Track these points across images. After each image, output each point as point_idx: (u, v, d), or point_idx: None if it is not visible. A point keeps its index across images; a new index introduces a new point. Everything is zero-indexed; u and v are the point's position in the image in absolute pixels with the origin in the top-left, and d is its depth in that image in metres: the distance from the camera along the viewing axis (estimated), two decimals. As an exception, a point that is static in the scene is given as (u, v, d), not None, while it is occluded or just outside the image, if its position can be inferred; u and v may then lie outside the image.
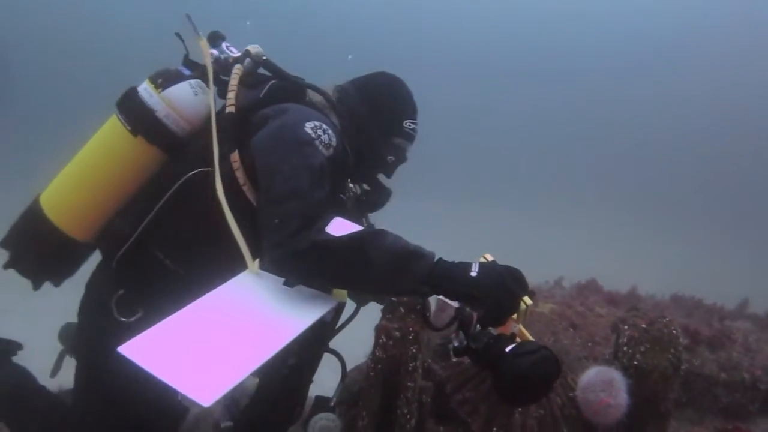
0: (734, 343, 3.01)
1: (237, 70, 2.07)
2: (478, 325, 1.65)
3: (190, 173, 1.97)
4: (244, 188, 1.90)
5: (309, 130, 1.90)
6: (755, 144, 23.32)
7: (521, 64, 27.70)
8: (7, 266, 2.11)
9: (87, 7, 24.27)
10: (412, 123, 2.33)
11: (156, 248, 2.00)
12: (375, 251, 1.64)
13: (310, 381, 2.50)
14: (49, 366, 2.71)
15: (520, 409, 2.17)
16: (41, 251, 2.07)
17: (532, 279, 2.22)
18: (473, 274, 1.62)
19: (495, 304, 1.60)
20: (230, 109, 1.98)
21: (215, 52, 2.15)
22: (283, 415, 2.45)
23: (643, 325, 2.17)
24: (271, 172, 1.80)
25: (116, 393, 2.07)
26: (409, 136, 2.34)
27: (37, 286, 2.17)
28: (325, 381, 2.60)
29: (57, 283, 2.21)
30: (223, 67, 2.16)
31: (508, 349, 1.56)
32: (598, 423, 2.13)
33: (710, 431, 2.75)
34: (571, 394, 2.20)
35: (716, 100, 25.22)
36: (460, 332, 1.67)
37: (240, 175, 1.90)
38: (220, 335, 1.60)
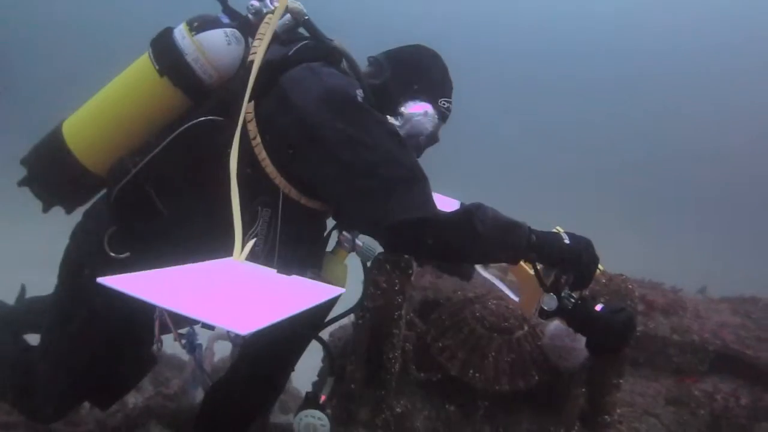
0: (686, 311, 3.28)
1: (268, 19, 2.00)
2: (566, 289, 1.87)
3: (199, 119, 1.94)
4: (253, 142, 1.87)
5: (360, 98, 1.88)
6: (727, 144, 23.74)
7: (527, 72, 27.33)
8: (21, 184, 2.13)
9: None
10: (447, 102, 2.25)
11: (150, 187, 1.97)
12: (482, 225, 1.71)
13: (292, 368, 2.53)
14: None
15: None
16: (56, 176, 2.06)
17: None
18: (567, 242, 1.82)
19: (586, 269, 1.83)
20: (252, 57, 1.93)
21: (256, 3, 2.10)
22: (258, 394, 2.46)
23: (603, 280, 2.40)
24: (347, 142, 1.76)
25: (89, 326, 2.10)
26: (443, 116, 2.25)
27: (46, 208, 2.17)
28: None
29: (68, 210, 2.22)
30: (263, 21, 2.06)
31: (598, 308, 1.82)
32: (564, 366, 2.36)
33: (664, 387, 3.01)
34: (539, 343, 2.44)
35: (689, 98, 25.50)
36: (548, 295, 1.88)
37: (251, 128, 1.87)
38: (238, 288, 1.51)
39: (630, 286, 2.42)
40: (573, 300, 1.86)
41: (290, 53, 1.98)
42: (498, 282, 2.60)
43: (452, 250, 1.81)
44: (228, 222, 1.82)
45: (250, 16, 2.11)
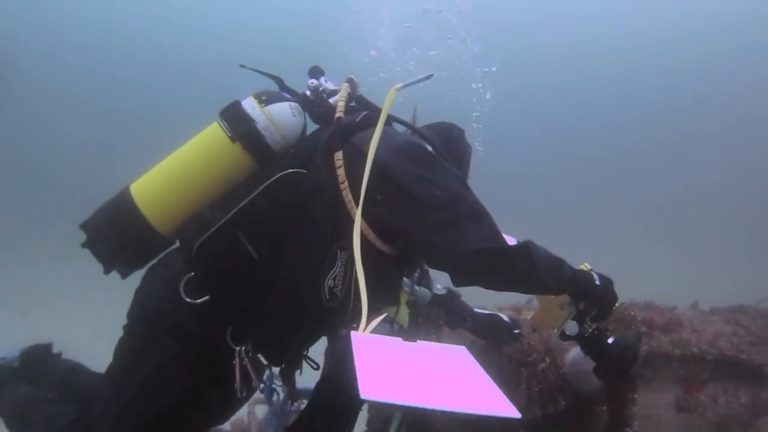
0: (683, 326, 3.66)
1: (345, 87, 2.27)
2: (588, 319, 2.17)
3: (287, 171, 2.08)
4: (342, 186, 2.00)
5: (429, 149, 2.12)
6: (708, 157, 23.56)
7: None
8: (84, 245, 2.19)
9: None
10: (466, 174, 2.53)
11: (243, 235, 2.05)
12: (538, 258, 1.94)
13: (360, 408, 2.63)
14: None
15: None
16: (123, 238, 2.14)
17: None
18: (597, 282, 2.09)
19: (609, 306, 2.14)
20: (339, 114, 2.15)
21: (315, 81, 2.34)
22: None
23: (609, 309, 2.78)
24: (420, 182, 1.96)
25: (158, 375, 2.14)
26: None
27: (107, 270, 2.23)
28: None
29: (125, 273, 2.28)
30: (319, 98, 2.31)
31: (610, 341, 2.13)
32: (585, 389, 2.71)
33: (673, 397, 3.37)
34: (561, 371, 2.80)
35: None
36: (571, 322, 2.16)
37: (340, 173, 2.01)
38: (427, 369, 1.56)
39: (633, 313, 2.81)
40: (591, 329, 2.20)
41: (358, 120, 2.19)
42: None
43: (513, 279, 2.01)
44: (315, 262, 2.01)
45: (308, 92, 2.32)
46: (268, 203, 2.05)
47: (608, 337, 2.16)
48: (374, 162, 1.95)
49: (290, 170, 2.08)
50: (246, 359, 2.14)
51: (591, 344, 2.19)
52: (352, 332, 1.64)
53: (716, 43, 23.47)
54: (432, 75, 2.27)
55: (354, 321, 1.99)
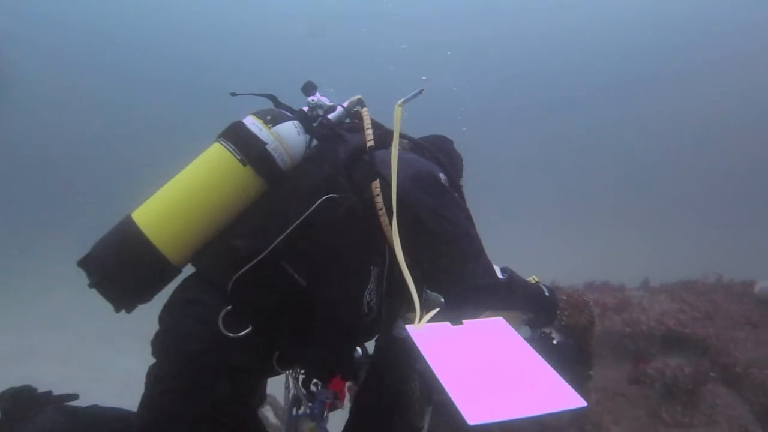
0: (633, 306, 4.03)
1: (365, 112, 2.30)
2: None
3: (322, 198, 2.06)
4: (380, 212, 2.06)
5: (443, 180, 2.23)
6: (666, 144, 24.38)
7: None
8: (92, 286, 2.03)
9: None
10: (461, 180, 2.62)
11: (288, 264, 2.01)
12: (518, 287, 2.21)
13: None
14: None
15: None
16: (134, 272, 2.02)
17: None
18: (547, 294, 2.38)
19: (554, 312, 2.44)
20: (370, 143, 2.16)
21: (315, 98, 2.32)
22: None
23: (564, 297, 3.09)
24: (434, 215, 2.08)
25: (208, 417, 2.02)
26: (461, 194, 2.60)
27: (118, 308, 2.10)
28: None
29: (130, 308, 2.13)
30: (315, 114, 2.30)
31: (555, 342, 2.48)
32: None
33: (624, 371, 3.73)
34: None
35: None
36: (525, 327, 2.39)
37: (379, 201, 2.06)
38: (493, 362, 1.69)
39: (585, 299, 3.12)
40: (539, 332, 2.53)
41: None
42: None
43: (497, 306, 2.21)
44: (355, 280, 2.07)
45: (305, 108, 2.30)
46: (309, 228, 2.05)
47: (553, 339, 2.50)
48: (390, 187, 2.05)
49: (326, 197, 2.07)
50: (294, 381, 2.30)
51: (540, 345, 2.48)
52: (409, 326, 1.80)
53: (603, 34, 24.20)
54: (423, 90, 2.28)
55: (384, 330, 2.26)
